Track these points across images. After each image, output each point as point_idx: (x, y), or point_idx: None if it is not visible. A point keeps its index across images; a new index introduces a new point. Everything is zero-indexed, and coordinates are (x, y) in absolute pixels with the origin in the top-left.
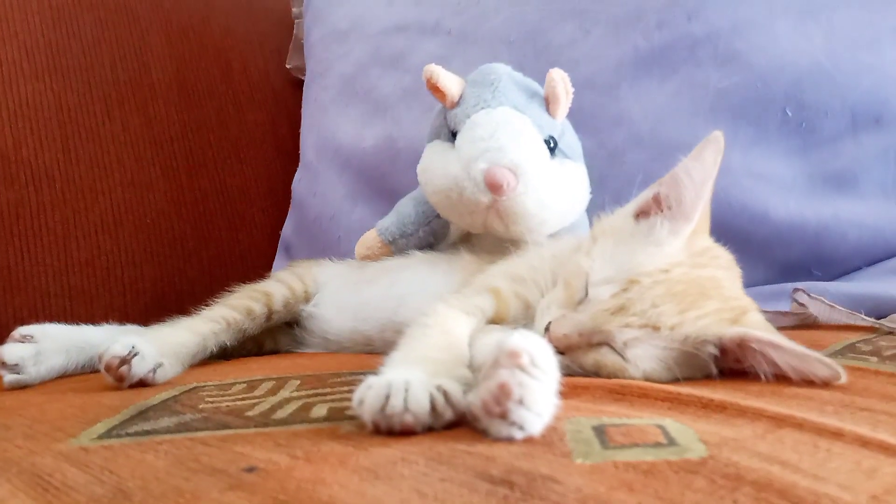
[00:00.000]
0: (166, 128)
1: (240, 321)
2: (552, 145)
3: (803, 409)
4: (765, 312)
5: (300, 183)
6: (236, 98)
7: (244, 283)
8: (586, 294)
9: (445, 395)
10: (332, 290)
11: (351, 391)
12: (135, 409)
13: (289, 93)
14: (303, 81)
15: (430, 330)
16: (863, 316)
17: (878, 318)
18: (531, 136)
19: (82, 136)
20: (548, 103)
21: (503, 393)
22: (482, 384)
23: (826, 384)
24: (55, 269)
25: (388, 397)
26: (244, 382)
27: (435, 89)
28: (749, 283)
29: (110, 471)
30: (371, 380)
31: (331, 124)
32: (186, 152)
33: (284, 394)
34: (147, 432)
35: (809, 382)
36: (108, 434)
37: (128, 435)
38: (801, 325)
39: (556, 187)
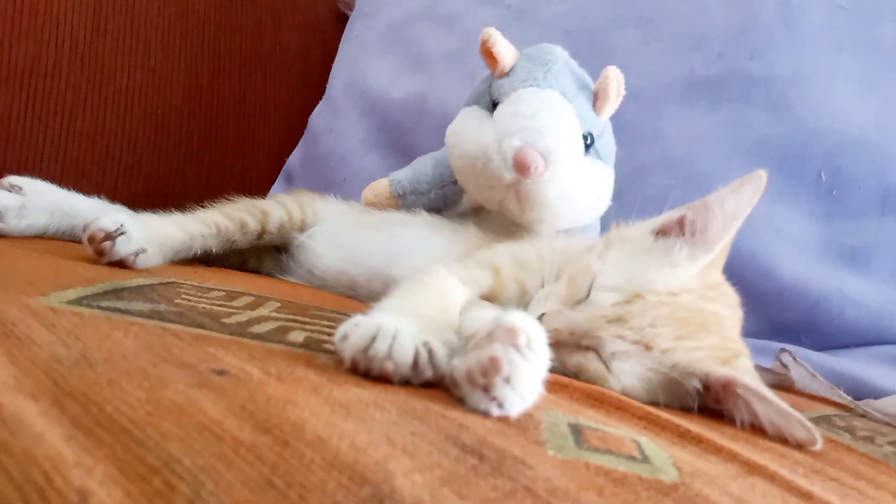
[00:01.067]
0: (201, 24)
1: (231, 231)
2: (589, 142)
3: (776, 464)
4: None
5: (319, 116)
6: (277, 14)
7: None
8: (588, 295)
9: (430, 353)
10: (330, 227)
11: (331, 326)
12: (110, 284)
13: (329, 24)
14: (346, 16)
15: (427, 287)
16: (841, 392)
17: (855, 399)
18: (572, 126)
19: (116, 6)
20: (596, 99)
21: (493, 366)
22: (471, 353)
23: (801, 446)
24: (56, 133)
25: (373, 339)
26: (223, 290)
27: (488, 54)
28: None
29: (76, 336)
30: (359, 318)
31: (365, 66)
32: (214, 54)
33: (263, 312)
34: (119, 310)
35: (783, 441)
36: (78, 301)
37: (99, 308)
38: (778, 385)
39: (582, 184)
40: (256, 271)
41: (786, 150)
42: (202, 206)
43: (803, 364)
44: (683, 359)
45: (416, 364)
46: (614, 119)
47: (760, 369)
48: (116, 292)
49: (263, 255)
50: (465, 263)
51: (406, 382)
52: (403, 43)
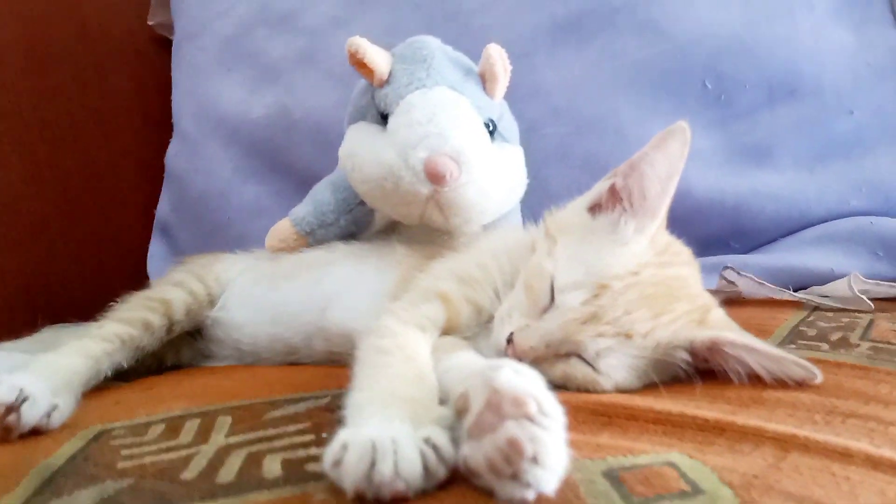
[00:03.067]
0: (13, 96)
1: (136, 337)
2: (491, 129)
3: (796, 423)
4: None
5: (177, 157)
6: (96, 60)
7: (119, 268)
8: (552, 300)
9: (436, 449)
10: (242, 289)
11: (301, 432)
12: (37, 476)
13: (154, 54)
14: (170, 41)
15: (391, 358)
16: (790, 292)
17: (797, 290)
18: (472, 119)
19: None
20: (484, 82)
21: (514, 451)
22: (483, 439)
23: (800, 385)
24: None
25: (373, 462)
26: (161, 421)
27: (360, 65)
28: None
29: None
30: (345, 437)
31: (211, 91)
32: (40, 124)
33: (218, 439)
34: None
35: (782, 382)
36: None
37: None
38: (728, 300)
39: (498, 174)
40: (178, 366)
41: (666, 69)
42: (78, 295)
43: (747, 275)
44: (664, 335)
45: (426, 469)
46: None
47: (708, 292)
48: (49, 485)
49: (181, 346)
50: (410, 300)
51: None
52: (245, 56)
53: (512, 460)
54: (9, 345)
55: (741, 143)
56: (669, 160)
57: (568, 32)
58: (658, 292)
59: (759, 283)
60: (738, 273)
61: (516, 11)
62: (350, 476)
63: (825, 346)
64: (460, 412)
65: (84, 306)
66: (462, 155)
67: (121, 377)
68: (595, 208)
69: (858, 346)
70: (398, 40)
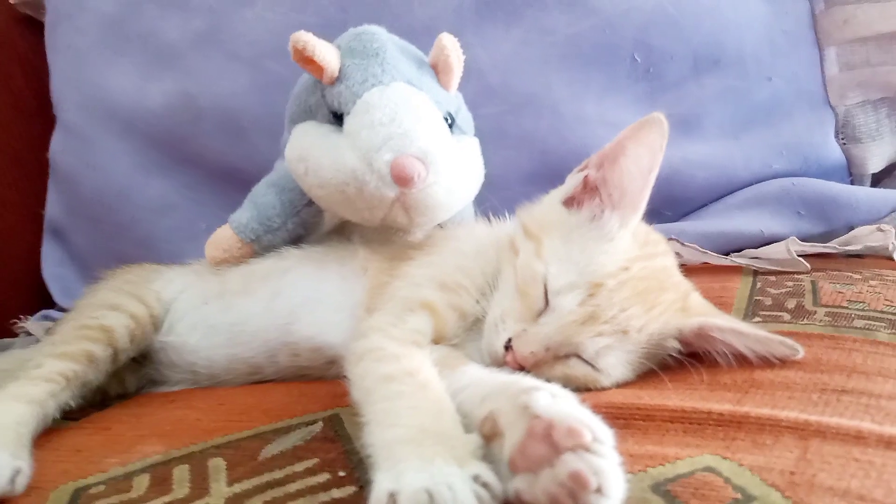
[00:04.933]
0: None
1: (80, 373)
2: (450, 122)
3: (799, 406)
4: None
5: (63, 152)
6: None
7: (8, 275)
8: (546, 303)
9: (486, 486)
10: (188, 309)
11: (311, 472)
12: None
13: (17, 35)
14: (35, 20)
15: (403, 387)
16: (730, 258)
17: (728, 254)
18: (433, 116)
19: None
20: (438, 73)
21: (579, 485)
22: (542, 474)
23: (783, 362)
24: None
25: None
26: (142, 471)
27: (308, 62)
28: None
29: None
30: (389, 486)
31: (97, 78)
32: None
33: (220, 489)
34: None
35: (766, 360)
36: None
37: None
38: None
39: (461, 169)
40: (123, 395)
41: (595, 44)
42: None
43: (691, 246)
44: (656, 327)
45: None
46: None
47: None
48: None
49: (124, 375)
50: (394, 313)
51: None
52: (135, 38)
53: (576, 495)
54: None
55: (670, 114)
56: (650, 152)
57: (494, 9)
58: (648, 286)
59: (703, 252)
60: (682, 244)
61: None
62: None
63: (786, 316)
64: (488, 437)
65: None
66: (428, 155)
67: (66, 416)
68: (570, 202)
69: (815, 312)
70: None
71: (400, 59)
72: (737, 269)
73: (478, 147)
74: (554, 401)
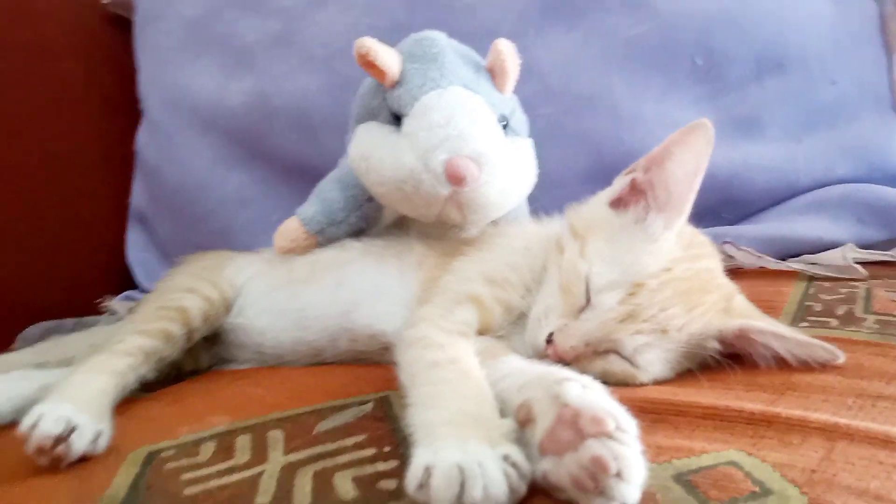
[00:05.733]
0: None
1: (158, 348)
2: (505, 124)
3: (833, 409)
4: None
5: (149, 146)
6: (45, 46)
7: (95, 260)
8: (588, 300)
9: (515, 466)
10: (258, 295)
11: (360, 446)
12: None
13: (109, 35)
14: (126, 20)
15: (446, 373)
16: (786, 263)
17: (786, 259)
18: (488, 118)
19: None
20: (494, 77)
21: (600, 469)
22: (566, 457)
23: (823, 366)
24: None
25: (461, 485)
26: (209, 439)
27: (370, 66)
28: None
29: None
30: (427, 460)
31: (181, 77)
32: None
33: (277, 457)
34: None
35: (807, 364)
36: None
37: None
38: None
39: (514, 169)
40: (196, 371)
41: (655, 47)
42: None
43: (746, 249)
44: (696, 328)
45: (509, 488)
46: None
47: None
48: None
49: (198, 352)
50: (443, 305)
51: None
52: (215, 40)
53: (597, 478)
54: (13, 358)
55: (731, 116)
56: (696, 157)
57: (557, 11)
58: (691, 287)
59: (759, 256)
60: (737, 247)
61: None
62: (440, 500)
63: (834, 322)
64: (523, 423)
65: (62, 303)
66: (482, 156)
67: (144, 388)
68: (616, 203)
69: (865, 319)
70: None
71: (457, 63)
72: (792, 275)
73: (531, 148)
74: (584, 391)
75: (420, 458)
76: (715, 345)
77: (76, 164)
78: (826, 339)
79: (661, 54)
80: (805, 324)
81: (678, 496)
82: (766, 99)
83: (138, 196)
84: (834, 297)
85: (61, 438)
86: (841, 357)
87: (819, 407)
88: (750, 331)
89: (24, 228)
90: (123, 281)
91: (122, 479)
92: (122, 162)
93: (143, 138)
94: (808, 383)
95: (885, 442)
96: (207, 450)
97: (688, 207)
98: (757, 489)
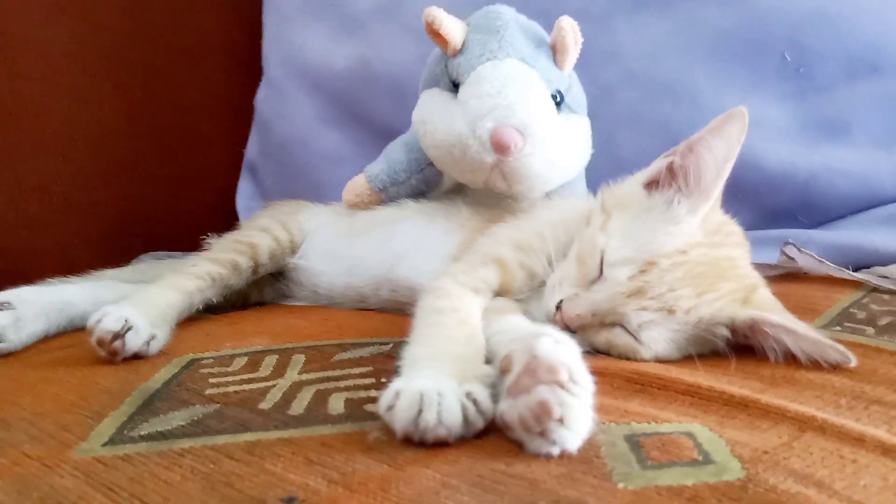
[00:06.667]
0: (114, 37)
1: (225, 276)
2: (559, 100)
3: (820, 405)
4: (754, 264)
5: (265, 101)
6: (188, 1)
7: (208, 202)
8: (601, 273)
9: (475, 403)
10: (322, 241)
11: (363, 375)
12: (139, 396)
13: None
14: None
15: (446, 318)
16: (849, 272)
17: (859, 269)
18: (540, 92)
19: (27, 50)
20: (555, 53)
21: (543, 412)
22: (518, 398)
23: (835, 367)
24: (8, 196)
25: (420, 410)
26: (244, 355)
27: (436, 35)
28: None
29: (140, 498)
30: (399, 386)
31: (297, 39)
32: (138, 64)
33: (292, 375)
34: (162, 435)
35: (818, 364)
36: (120, 436)
37: (142, 439)
38: (788, 275)
39: (562, 145)
40: (261, 302)
41: (745, 39)
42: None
43: (808, 252)
44: (707, 312)
45: (466, 419)
46: None
47: (768, 266)
48: (148, 406)
49: (264, 286)
50: (469, 263)
51: (462, 437)
52: (330, 7)
53: (541, 420)
54: (111, 272)
55: (816, 116)
56: (728, 144)
57: None
58: (705, 271)
59: (819, 261)
60: (799, 250)
61: None
62: (400, 420)
63: (871, 331)
64: (503, 372)
65: (175, 237)
66: (528, 127)
67: (210, 310)
68: (652, 185)
69: None
70: None
71: (518, 37)
72: (855, 284)
73: (586, 125)
74: (555, 346)
75: (394, 384)
76: (725, 332)
77: (202, 113)
78: (853, 344)
79: (750, 48)
80: (838, 328)
81: (621, 451)
82: (855, 102)
83: (252, 147)
84: (884, 308)
85: (118, 335)
86: (853, 360)
87: (806, 401)
88: (763, 322)
89: (151, 166)
90: (229, 224)
91: (161, 375)
92: (242, 115)
93: (262, 94)
94: (809, 380)
95: (855, 440)
96: (239, 362)
97: (715, 193)
98: (699, 458)
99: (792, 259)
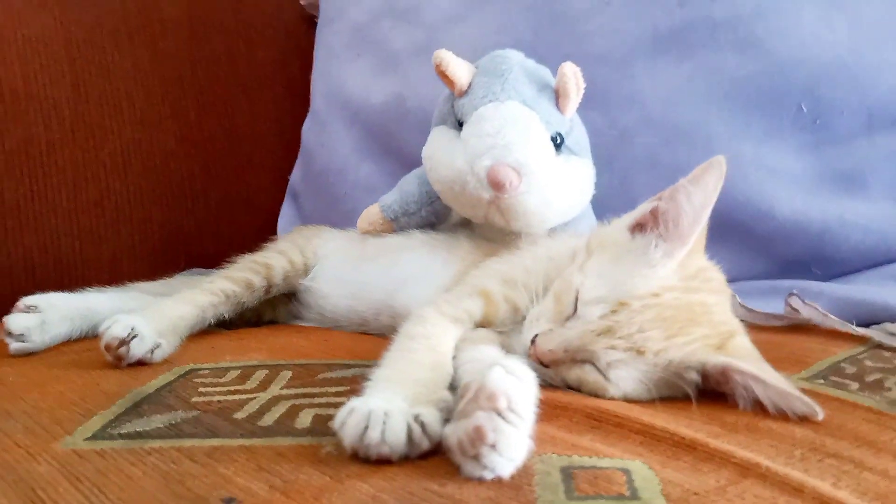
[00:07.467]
0: (176, 64)
1: (239, 294)
2: (559, 142)
3: (772, 454)
4: (758, 313)
5: (309, 131)
6: (247, 33)
7: (251, 225)
8: (575, 310)
9: (423, 426)
10: (332, 265)
11: (339, 394)
12: (131, 398)
13: (301, 31)
14: (316, 19)
15: (416, 344)
16: (854, 327)
17: (870, 325)
18: (538, 133)
19: (92, 71)
20: (558, 98)
21: (478, 436)
22: (459, 422)
23: (802, 419)
24: (64, 208)
25: (366, 427)
26: (238, 368)
27: (443, 76)
28: (747, 277)
29: (99, 489)
30: (353, 404)
31: (341, 74)
32: (196, 90)
33: (274, 390)
34: (139, 434)
35: (785, 415)
36: (102, 433)
37: (120, 437)
38: (794, 326)
39: (560, 185)
40: (273, 321)
41: (762, 88)
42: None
43: (812, 305)
44: (677, 355)
45: (410, 439)
46: (587, 88)
47: (773, 317)
48: (136, 407)
49: (277, 305)
50: (456, 294)
51: (408, 456)
52: (371, 44)
53: (475, 444)
54: (143, 285)
55: (833, 168)
56: (705, 192)
57: (669, 44)
58: (676, 315)
59: (824, 314)
60: (804, 301)
61: (621, 20)
62: (348, 436)
63: (854, 386)
64: (462, 398)
65: (220, 255)
66: (524, 166)
67: (223, 325)
68: (636, 228)
69: (890, 390)
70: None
71: (522, 80)
72: (858, 340)
73: (587, 168)
74: (504, 376)
75: (350, 403)
76: (695, 377)
77: (254, 140)
78: (829, 398)
79: (767, 97)
80: (821, 381)
81: (553, 481)
82: (874, 156)
83: (296, 174)
84: (880, 364)
85: (124, 341)
86: (820, 414)
87: (760, 449)
88: (732, 369)
89: (201, 187)
90: None
91: (157, 381)
92: (290, 143)
93: (307, 124)
94: (771, 429)
95: (794, 489)
96: (232, 375)
97: (692, 239)
98: (627, 493)
99: (796, 311)
